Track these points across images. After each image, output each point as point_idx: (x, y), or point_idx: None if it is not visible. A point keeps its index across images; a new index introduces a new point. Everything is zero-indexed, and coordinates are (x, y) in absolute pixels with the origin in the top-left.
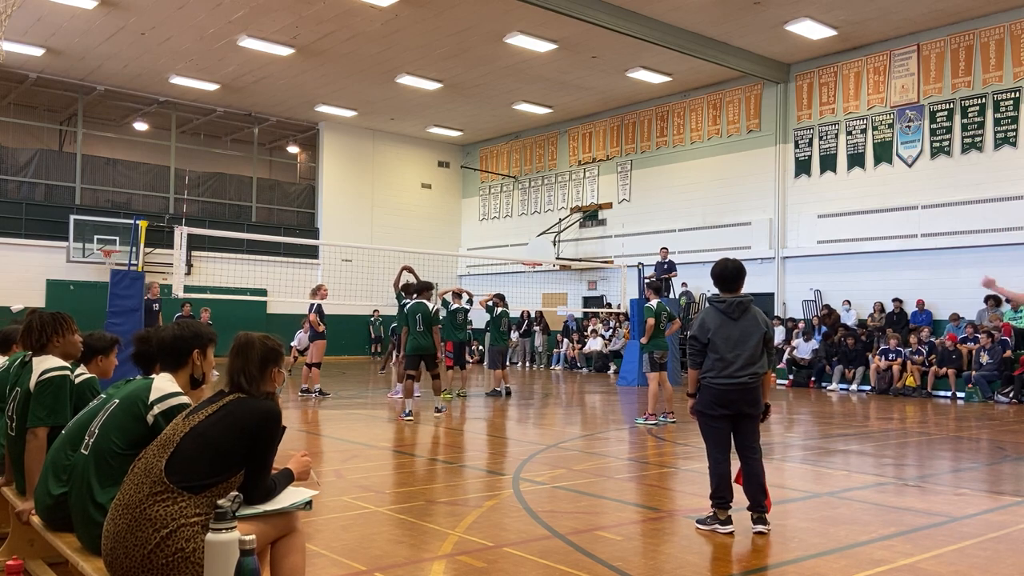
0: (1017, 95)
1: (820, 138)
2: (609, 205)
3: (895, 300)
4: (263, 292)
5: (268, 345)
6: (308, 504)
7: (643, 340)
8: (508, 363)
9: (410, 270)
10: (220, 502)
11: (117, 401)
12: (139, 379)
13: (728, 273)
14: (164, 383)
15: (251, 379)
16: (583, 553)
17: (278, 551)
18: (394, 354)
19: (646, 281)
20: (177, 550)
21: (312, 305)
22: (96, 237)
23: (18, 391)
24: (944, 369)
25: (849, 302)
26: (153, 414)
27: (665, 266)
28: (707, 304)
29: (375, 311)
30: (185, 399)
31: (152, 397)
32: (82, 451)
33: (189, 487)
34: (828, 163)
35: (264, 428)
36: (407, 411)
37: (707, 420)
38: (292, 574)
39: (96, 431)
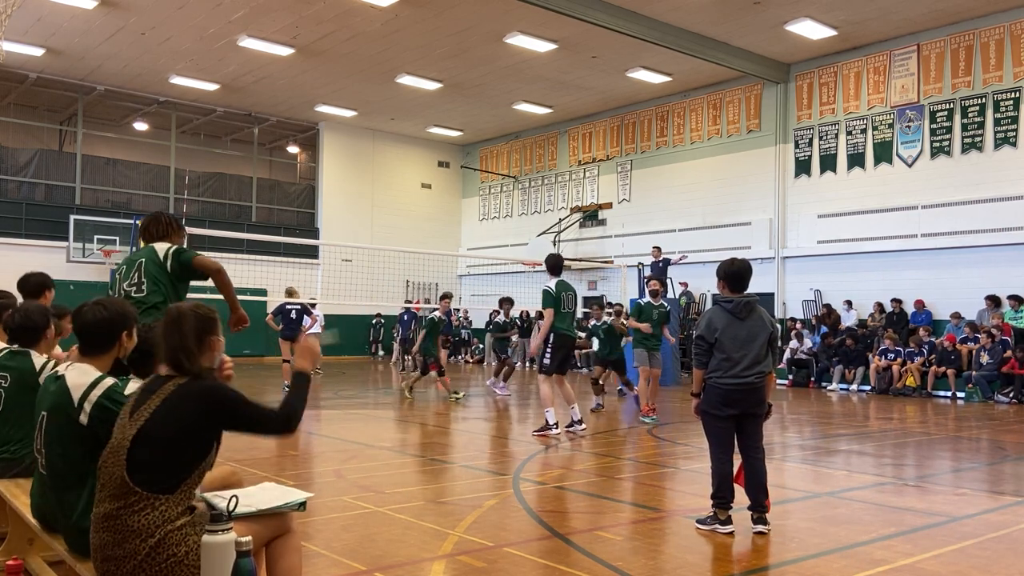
0: (1017, 95)
1: (820, 138)
2: (609, 205)
3: (894, 300)
4: (263, 292)
5: (200, 314)
6: (302, 505)
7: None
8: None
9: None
10: (216, 502)
11: (45, 414)
12: (52, 385)
13: (739, 272)
14: (78, 377)
15: (189, 354)
16: (583, 553)
17: (273, 552)
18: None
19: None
20: (169, 555)
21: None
22: (96, 237)
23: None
24: (944, 369)
25: (850, 302)
26: (86, 413)
27: (660, 265)
28: (714, 304)
29: (377, 315)
30: (109, 380)
31: (76, 397)
32: (40, 471)
33: (162, 489)
34: (828, 163)
35: (213, 405)
36: (597, 403)
37: (712, 420)
38: (288, 574)
39: (43, 449)
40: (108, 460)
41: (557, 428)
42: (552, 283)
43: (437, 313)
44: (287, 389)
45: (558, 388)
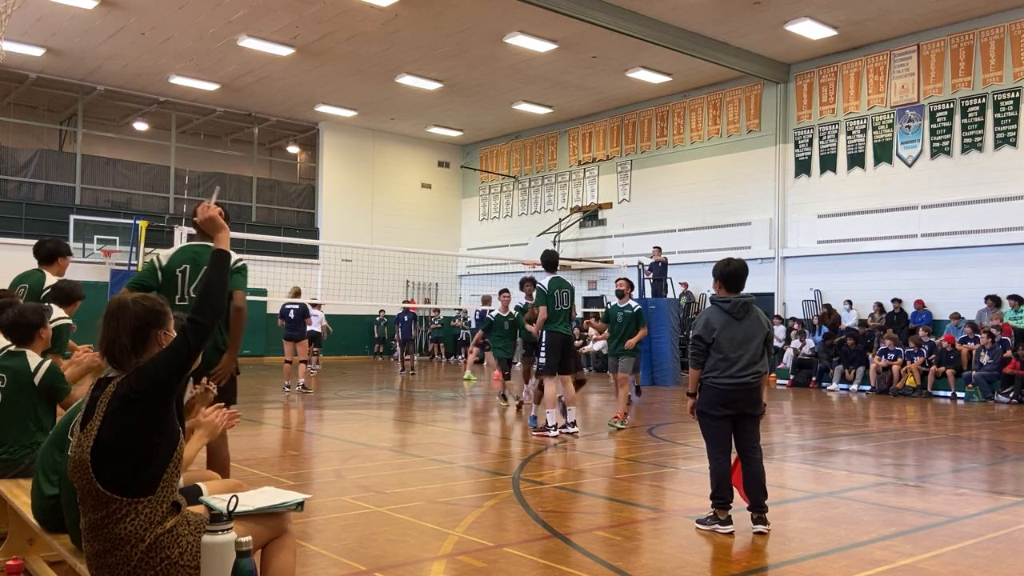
0: (1017, 95)
1: (820, 138)
2: (609, 205)
3: (895, 300)
4: (263, 292)
5: (145, 306)
6: (299, 505)
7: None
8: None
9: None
10: (215, 504)
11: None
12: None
13: (735, 272)
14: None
15: (123, 349)
16: (583, 553)
17: (268, 550)
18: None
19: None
20: (164, 558)
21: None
22: (96, 237)
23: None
24: (944, 369)
25: (851, 302)
26: None
27: (659, 265)
28: (710, 304)
29: (380, 311)
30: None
31: None
32: (68, 454)
33: (140, 491)
34: (828, 163)
35: (143, 385)
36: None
37: (709, 420)
38: (283, 572)
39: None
40: (76, 474)
41: (556, 430)
42: (546, 280)
43: (496, 311)
44: (287, 389)
45: (561, 387)
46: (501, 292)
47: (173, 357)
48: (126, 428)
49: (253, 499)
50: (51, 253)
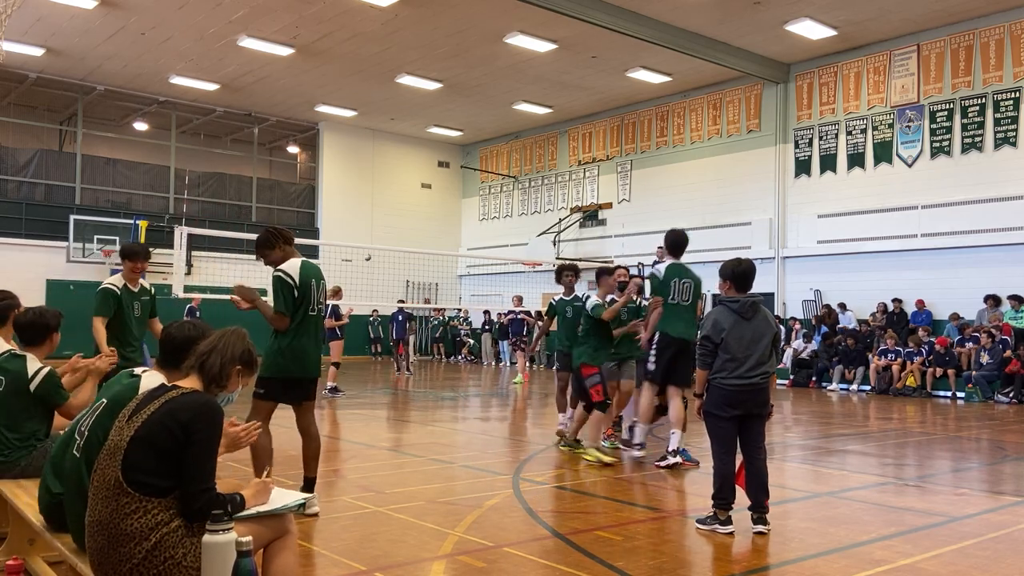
0: (1017, 95)
1: (820, 138)
2: (609, 205)
3: (895, 300)
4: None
5: (251, 348)
6: (302, 507)
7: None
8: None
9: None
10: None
11: (105, 401)
12: (125, 380)
13: (746, 272)
14: (152, 381)
15: (210, 369)
16: (583, 553)
17: (270, 551)
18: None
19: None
20: (167, 558)
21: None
22: (96, 237)
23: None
24: (944, 369)
25: (844, 304)
26: None
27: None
28: (717, 304)
29: (374, 311)
30: None
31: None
32: (73, 452)
33: (153, 491)
34: (828, 163)
35: (197, 422)
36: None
37: (716, 420)
38: (284, 572)
39: (86, 432)
40: (103, 461)
41: (640, 448)
42: (662, 267)
43: (559, 295)
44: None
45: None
46: (564, 272)
47: (193, 463)
48: (165, 434)
49: None
50: (120, 254)
